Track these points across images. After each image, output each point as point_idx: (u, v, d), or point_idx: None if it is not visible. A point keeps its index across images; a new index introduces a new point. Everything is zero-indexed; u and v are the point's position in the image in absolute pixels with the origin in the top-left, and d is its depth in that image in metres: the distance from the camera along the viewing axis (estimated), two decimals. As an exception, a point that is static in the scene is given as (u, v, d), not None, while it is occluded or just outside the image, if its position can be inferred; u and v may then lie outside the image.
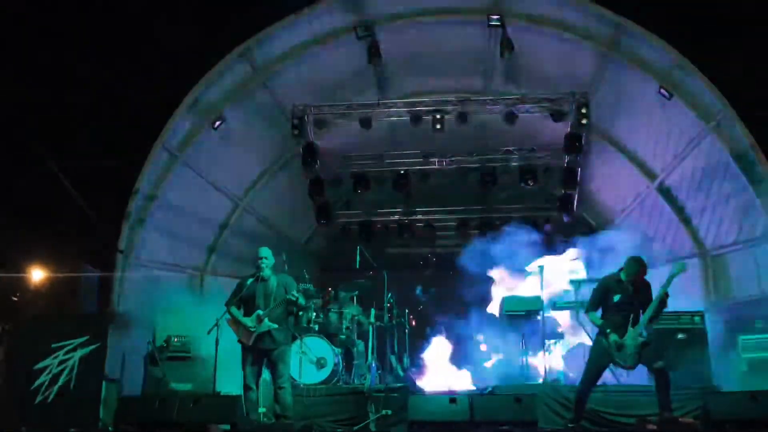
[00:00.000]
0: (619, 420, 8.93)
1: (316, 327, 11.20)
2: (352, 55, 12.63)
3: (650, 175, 12.98)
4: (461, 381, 12.39)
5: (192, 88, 12.12)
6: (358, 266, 11.90)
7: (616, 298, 8.17)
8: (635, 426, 8.45)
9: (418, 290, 14.07)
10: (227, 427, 7.90)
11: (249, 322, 8.45)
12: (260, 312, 8.43)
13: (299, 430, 8.40)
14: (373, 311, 11.36)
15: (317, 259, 16.19)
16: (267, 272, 8.65)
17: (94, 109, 11.50)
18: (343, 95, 13.41)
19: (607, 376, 9.64)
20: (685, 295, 11.74)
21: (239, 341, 8.63)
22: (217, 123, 12.49)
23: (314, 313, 11.26)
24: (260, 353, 8.51)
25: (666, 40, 11.33)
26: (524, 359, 11.04)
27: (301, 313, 10.27)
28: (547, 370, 10.47)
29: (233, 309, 8.63)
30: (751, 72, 11.24)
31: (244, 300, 8.66)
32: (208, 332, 9.87)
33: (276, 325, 8.44)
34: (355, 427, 9.01)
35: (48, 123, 11.43)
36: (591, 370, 8.31)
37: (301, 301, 8.68)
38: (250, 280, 8.67)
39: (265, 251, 8.82)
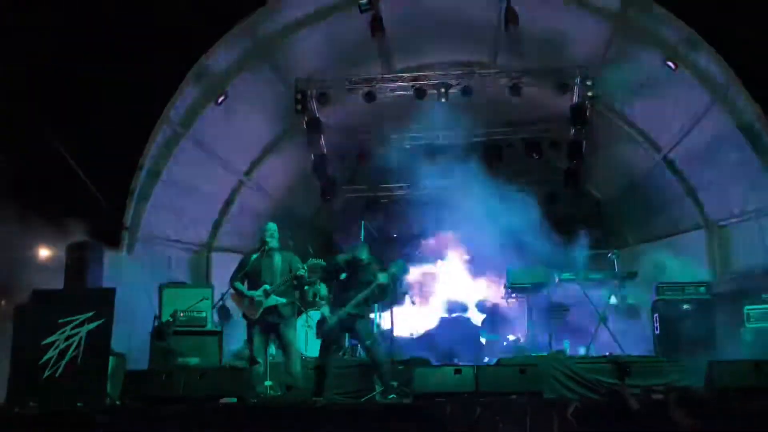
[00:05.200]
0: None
1: (322, 301, 11.24)
2: (355, 28, 12.53)
3: (656, 147, 12.94)
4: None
5: (195, 63, 12.07)
6: (363, 240, 11.91)
7: None
8: (640, 396, 8.46)
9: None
10: (234, 400, 7.93)
11: (256, 294, 8.46)
12: (267, 287, 8.43)
13: (305, 402, 8.42)
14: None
15: (322, 233, 16.19)
16: (273, 243, 8.65)
17: (98, 84, 11.45)
18: (347, 69, 13.33)
19: (613, 345, 9.73)
20: (691, 266, 11.79)
21: (244, 316, 8.65)
22: (221, 98, 12.44)
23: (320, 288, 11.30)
24: (267, 327, 8.53)
25: (673, 12, 11.23)
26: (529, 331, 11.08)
27: (306, 287, 10.31)
28: (553, 341, 10.52)
29: (237, 284, 8.64)
30: (757, 44, 11.12)
31: (248, 275, 8.65)
32: (213, 307, 9.92)
33: (284, 300, 8.46)
34: (362, 399, 9.06)
35: (51, 99, 11.39)
36: None
37: (306, 275, 8.68)
38: (254, 256, 8.67)
39: (272, 226, 8.82)
